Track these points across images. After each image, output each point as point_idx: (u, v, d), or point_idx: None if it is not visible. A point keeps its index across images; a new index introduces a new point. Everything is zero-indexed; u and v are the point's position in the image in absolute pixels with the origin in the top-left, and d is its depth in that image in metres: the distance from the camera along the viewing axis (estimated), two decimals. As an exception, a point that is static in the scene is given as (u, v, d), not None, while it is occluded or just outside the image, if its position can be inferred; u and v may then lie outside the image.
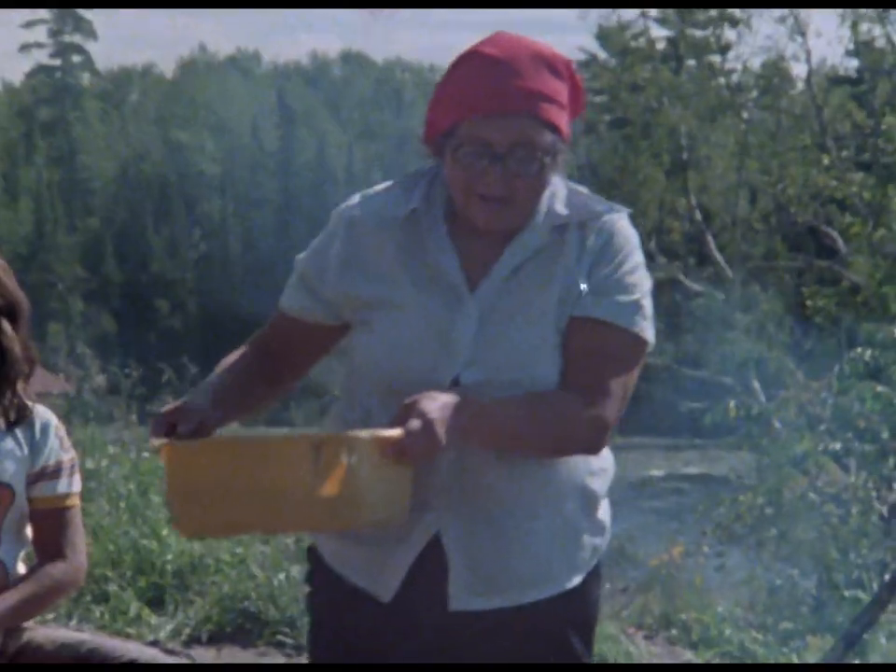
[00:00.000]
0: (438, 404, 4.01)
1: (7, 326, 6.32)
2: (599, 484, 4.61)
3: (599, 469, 4.58)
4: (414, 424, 3.94)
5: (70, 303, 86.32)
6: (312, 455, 3.92)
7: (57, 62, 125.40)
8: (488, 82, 4.12)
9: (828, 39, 45.41)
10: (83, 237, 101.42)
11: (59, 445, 6.66)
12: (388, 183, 4.52)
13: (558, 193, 4.42)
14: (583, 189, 4.52)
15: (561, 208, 4.40)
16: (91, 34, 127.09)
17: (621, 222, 4.48)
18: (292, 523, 4.39)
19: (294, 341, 4.60)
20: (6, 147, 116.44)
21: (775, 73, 44.73)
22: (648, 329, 4.47)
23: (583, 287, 4.41)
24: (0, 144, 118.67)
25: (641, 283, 4.51)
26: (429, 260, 4.29)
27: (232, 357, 4.68)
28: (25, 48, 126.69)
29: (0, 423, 6.40)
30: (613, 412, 4.29)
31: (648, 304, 4.49)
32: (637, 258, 4.53)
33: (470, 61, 4.24)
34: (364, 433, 4.06)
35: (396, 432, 4.00)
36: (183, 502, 4.23)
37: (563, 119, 4.23)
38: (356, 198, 4.48)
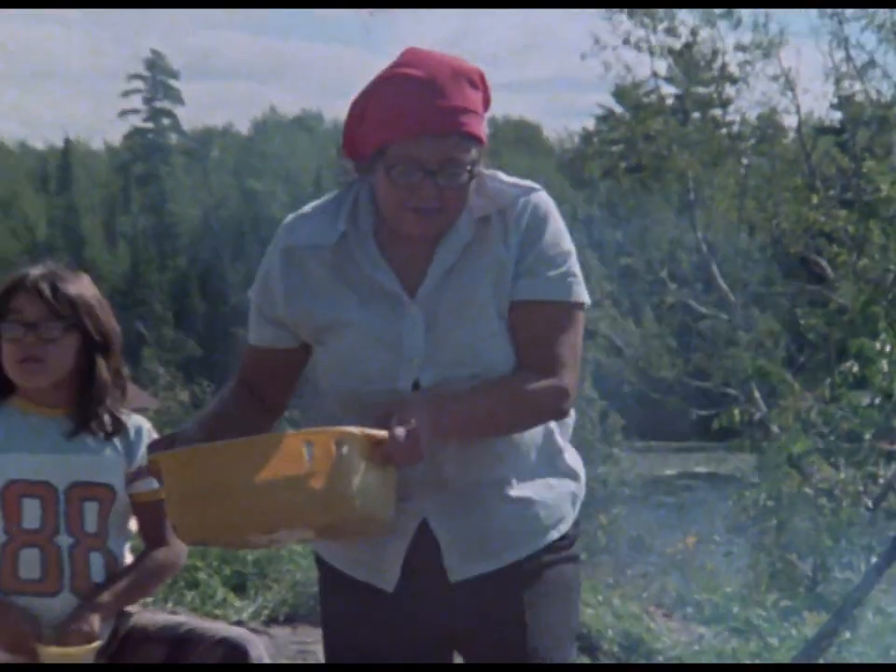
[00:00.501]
0: (418, 413, 3.96)
1: (100, 360, 6.47)
2: (558, 437, 4.56)
3: (557, 423, 4.52)
4: (399, 433, 3.90)
5: (161, 331, 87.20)
6: (304, 450, 3.86)
7: (150, 125, 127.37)
8: (416, 104, 4.06)
9: (814, 95, 45.40)
10: (172, 275, 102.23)
11: None
12: (316, 203, 4.45)
13: (477, 186, 4.32)
14: (501, 176, 4.43)
15: (480, 201, 4.31)
16: (178, 100, 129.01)
17: (536, 201, 4.39)
18: (286, 519, 4.13)
19: (271, 369, 4.55)
20: (106, 199, 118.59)
21: (769, 124, 44.76)
22: (581, 292, 4.40)
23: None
24: (101, 196, 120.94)
25: (564, 251, 4.42)
26: (366, 276, 4.24)
27: (222, 392, 4.65)
28: (123, 114, 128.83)
29: (100, 435, 6.49)
30: (572, 377, 4.28)
31: (575, 268, 4.42)
32: (555, 228, 4.42)
33: (395, 82, 4.15)
34: (354, 428, 3.95)
35: (383, 432, 3.94)
36: (180, 508, 4.11)
37: (482, 128, 4.20)
38: (287, 225, 4.44)
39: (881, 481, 19.71)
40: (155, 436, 6.55)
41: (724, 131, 44.60)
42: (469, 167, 4.08)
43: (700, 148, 42.97)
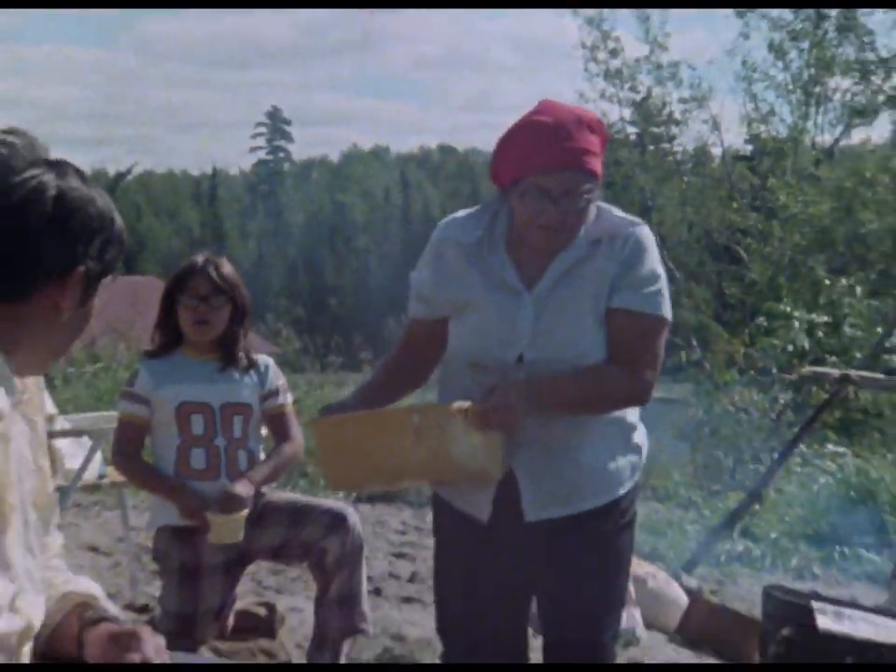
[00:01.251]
0: (516, 391, 3.92)
1: (241, 321, 6.85)
2: (633, 416, 4.49)
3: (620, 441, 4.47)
4: (496, 403, 3.88)
5: (278, 300, 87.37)
6: (413, 421, 3.82)
7: (270, 157, 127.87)
8: (546, 146, 3.96)
9: (733, 133, 44.92)
10: (285, 261, 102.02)
11: (275, 376, 7.00)
12: (465, 212, 4.40)
13: (593, 214, 4.24)
14: (614, 209, 4.33)
15: (595, 227, 4.21)
16: (290, 139, 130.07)
17: (639, 233, 4.27)
18: (399, 476, 4.19)
19: (424, 336, 4.45)
20: (240, 211, 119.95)
21: (702, 154, 44.24)
22: (667, 310, 4.31)
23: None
24: (237, 207, 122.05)
25: (657, 275, 4.29)
26: (495, 272, 4.17)
27: (383, 361, 4.62)
28: (252, 150, 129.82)
29: (240, 370, 6.79)
30: (652, 374, 4.21)
31: (665, 290, 4.31)
32: (654, 256, 4.31)
33: (530, 127, 4.04)
34: (458, 404, 3.93)
35: (468, 403, 3.91)
36: (329, 464, 4.12)
37: (598, 165, 4.08)
38: (441, 224, 4.42)
39: (782, 402, 19.90)
40: (277, 370, 7.03)
41: (671, 158, 44.11)
42: (585, 196, 4.02)
43: (654, 171, 42.62)
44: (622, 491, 4.36)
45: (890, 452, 19.42)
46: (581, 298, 4.14)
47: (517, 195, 4.02)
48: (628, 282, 4.15)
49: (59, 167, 3.24)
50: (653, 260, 4.26)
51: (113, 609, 3.63)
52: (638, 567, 9.44)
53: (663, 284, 4.29)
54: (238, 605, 7.12)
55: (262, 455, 6.91)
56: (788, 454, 13.14)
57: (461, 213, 4.41)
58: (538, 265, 4.16)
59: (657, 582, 9.50)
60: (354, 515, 6.77)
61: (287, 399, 7.04)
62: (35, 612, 3.36)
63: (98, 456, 8.31)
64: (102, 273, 3.24)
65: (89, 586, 3.66)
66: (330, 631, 6.73)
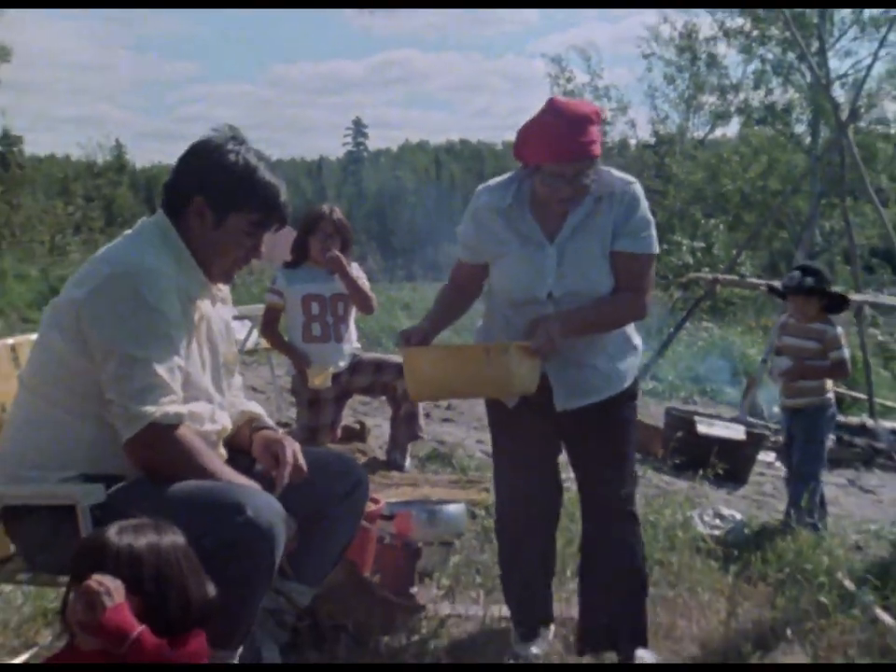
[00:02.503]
0: (553, 323, 3.67)
1: (344, 250, 6.79)
2: (631, 327, 4.17)
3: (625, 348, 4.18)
4: (542, 336, 3.65)
5: (360, 238, 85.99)
6: (484, 354, 3.61)
7: (354, 149, 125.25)
8: (561, 140, 3.64)
9: (643, 130, 44.59)
10: (365, 214, 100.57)
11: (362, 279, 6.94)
12: (497, 179, 4.05)
13: (595, 177, 3.81)
14: (612, 170, 3.93)
15: (597, 186, 3.82)
16: (367, 136, 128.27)
17: (634, 189, 3.88)
18: (466, 394, 4.16)
19: (468, 275, 4.13)
20: (336, 183, 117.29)
21: (624, 143, 43.99)
22: (655, 247, 3.94)
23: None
24: (334, 181, 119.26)
25: (649, 222, 3.91)
26: (523, 229, 3.89)
27: (440, 294, 4.23)
28: (344, 144, 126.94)
29: (337, 277, 6.76)
30: (648, 296, 3.96)
31: (653, 232, 3.92)
32: (645, 206, 3.91)
33: (548, 124, 3.69)
34: (512, 343, 3.68)
35: (527, 343, 3.66)
36: (413, 381, 3.82)
37: (599, 148, 3.72)
38: (478, 192, 4.06)
39: (675, 296, 20.13)
40: (363, 274, 6.93)
41: (605, 144, 44.27)
42: (590, 174, 3.74)
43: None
44: (627, 384, 4.11)
45: (740, 326, 22.28)
46: (592, 244, 3.85)
47: (539, 177, 3.79)
48: (627, 230, 3.84)
49: (245, 147, 3.37)
50: (645, 210, 3.91)
51: (270, 422, 3.70)
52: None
53: (652, 227, 3.94)
54: (343, 422, 7.18)
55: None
56: (679, 328, 13.54)
57: (492, 182, 4.10)
58: (556, 223, 3.88)
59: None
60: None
61: (366, 281, 6.92)
62: (224, 422, 3.46)
63: (255, 333, 8.57)
64: (225, 207, 3.27)
65: (256, 407, 3.75)
66: (400, 437, 6.83)
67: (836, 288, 13.96)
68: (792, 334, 6.54)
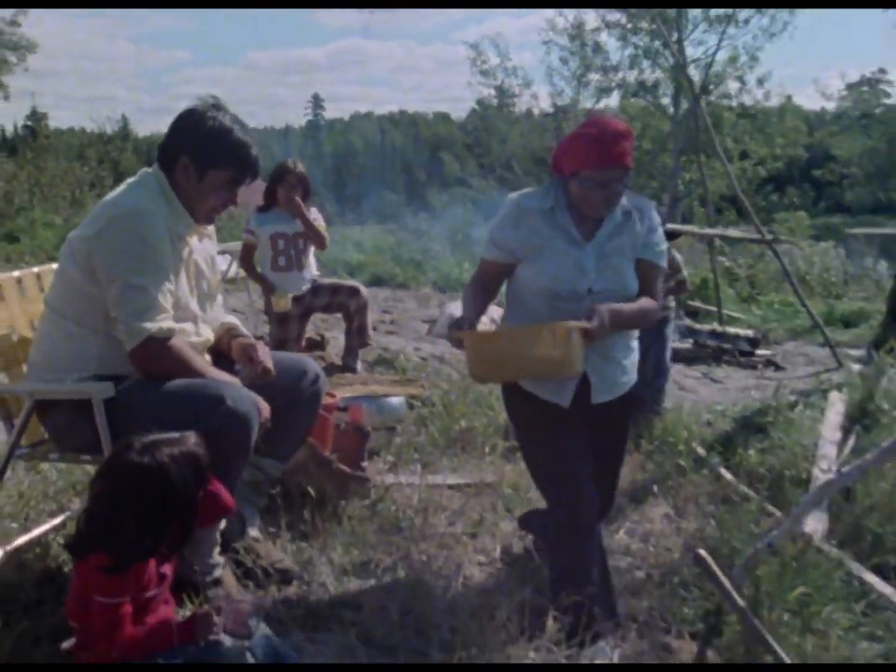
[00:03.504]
0: (606, 313, 3.31)
1: (305, 198, 6.70)
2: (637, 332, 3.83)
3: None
4: (598, 320, 3.28)
5: (318, 189, 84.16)
6: (549, 335, 3.18)
7: (313, 119, 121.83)
8: (599, 150, 3.34)
9: (544, 101, 44.31)
10: (323, 170, 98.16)
11: (319, 219, 6.83)
12: (537, 188, 3.66)
13: (626, 193, 3.54)
14: (630, 192, 3.59)
15: (627, 202, 3.54)
16: (324, 108, 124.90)
17: (652, 208, 3.63)
18: (525, 374, 3.45)
19: (493, 273, 3.66)
20: (298, 145, 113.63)
21: (530, 113, 43.93)
22: (665, 261, 3.66)
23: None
24: (298, 147, 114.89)
25: (663, 238, 3.65)
26: (562, 229, 3.52)
27: (468, 294, 3.70)
28: (305, 115, 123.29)
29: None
30: (660, 301, 3.66)
31: (665, 248, 3.65)
32: (659, 223, 3.65)
33: (587, 137, 3.38)
34: (574, 323, 3.26)
35: (584, 324, 3.26)
36: (477, 363, 3.33)
37: (630, 161, 3.42)
38: (522, 195, 3.67)
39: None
40: (319, 216, 6.86)
41: (513, 113, 43.73)
42: (623, 183, 3.43)
43: (505, 119, 42.77)
44: (635, 378, 3.78)
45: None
46: (624, 249, 3.53)
47: (576, 182, 3.46)
48: (651, 243, 3.56)
49: (223, 113, 3.37)
50: (660, 227, 3.63)
51: (245, 331, 3.72)
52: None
53: (665, 243, 3.65)
54: (307, 335, 7.12)
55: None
56: None
57: (529, 190, 3.70)
58: (590, 226, 3.54)
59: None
60: (364, 289, 6.83)
61: (322, 222, 6.85)
62: (208, 335, 3.53)
63: (234, 265, 8.43)
64: (205, 164, 3.28)
65: (234, 320, 3.77)
66: (353, 346, 6.80)
67: (693, 226, 13.91)
68: None
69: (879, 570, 4.22)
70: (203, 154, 3.28)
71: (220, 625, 2.52)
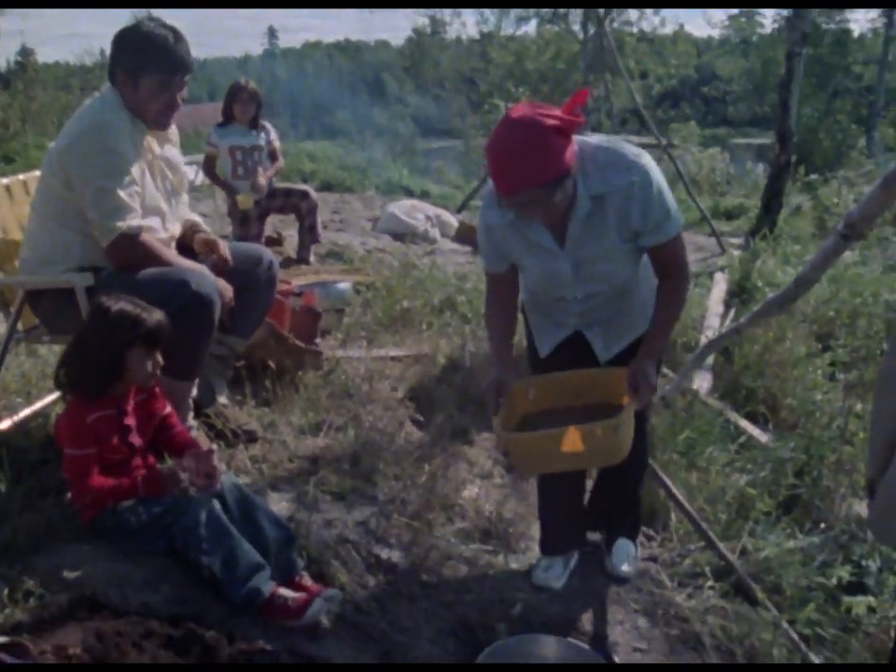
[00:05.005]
0: (649, 369, 2.52)
1: (258, 112, 6.50)
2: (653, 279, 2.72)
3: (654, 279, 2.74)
4: (646, 394, 2.51)
5: (273, 106, 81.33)
6: (597, 434, 2.43)
7: (269, 48, 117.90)
8: (499, 177, 2.38)
9: (471, 30, 43.19)
10: (279, 89, 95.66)
11: (274, 135, 6.69)
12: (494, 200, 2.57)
13: (588, 173, 2.46)
14: (609, 158, 2.47)
15: (592, 185, 2.45)
16: (278, 38, 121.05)
17: (640, 180, 2.45)
18: (583, 466, 2.88)
19: (502, 281, 2.74)
20: (257, 77, 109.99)
21: (458, 39, 43.20)
22: (679, 223, 2.56)
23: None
24: (256, 74, 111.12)
25: (665, 204, 2.50)
26: (533, 238, 2.60)
27: (490, 320, 2.81)
28: (262, 45, 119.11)
29: (258, 131, 6.52)
30: (687, 267, 2.62)
31: (673, 207, 2.53)
32: (657, 189, 2.48)
33: (490, 160, 2.39)
34: (620, 418, 2.41)
35: (631, 403, 2.48)
36: (521, 463, 2.64)
37: (550, 170, 2.33)
38: (484, 209, 2.68)
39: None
40: (274, 131, 6.65)
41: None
42: (545, 197, 2.36)
43: (441, 48, 41.80)
44: (643, 330, 2.74)
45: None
46: (602, 242, 2.57)
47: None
48: (649, 227, 2.52)
49: (154, 24, 3.20)
50: (657, 195, 2.49)
51: (206, 227, 3.67)
52: (431, 209, 9.35)
53: (669, 206, 2.53)
54: (266, 234, 6.99)
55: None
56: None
57: (489, 195, 2.64)
58: (561, 230, 2.58)
59: (446, 216, 9.42)
60: (313, 193, 6.73)
61: (279, 142, 6.71)
62: (174, 231, 3.45)
63: (200, 174, 8.17)
64: (135, 73, 3.13)
65: (196, 217, 3.67)
66: (306, 242, 6.75)
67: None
68: None
69: (751, 417, 4.38)
70: (131, 64, 3.15)
71: (187, 480, 2.53)
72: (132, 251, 3.11)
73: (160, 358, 2.69)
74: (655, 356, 2.59)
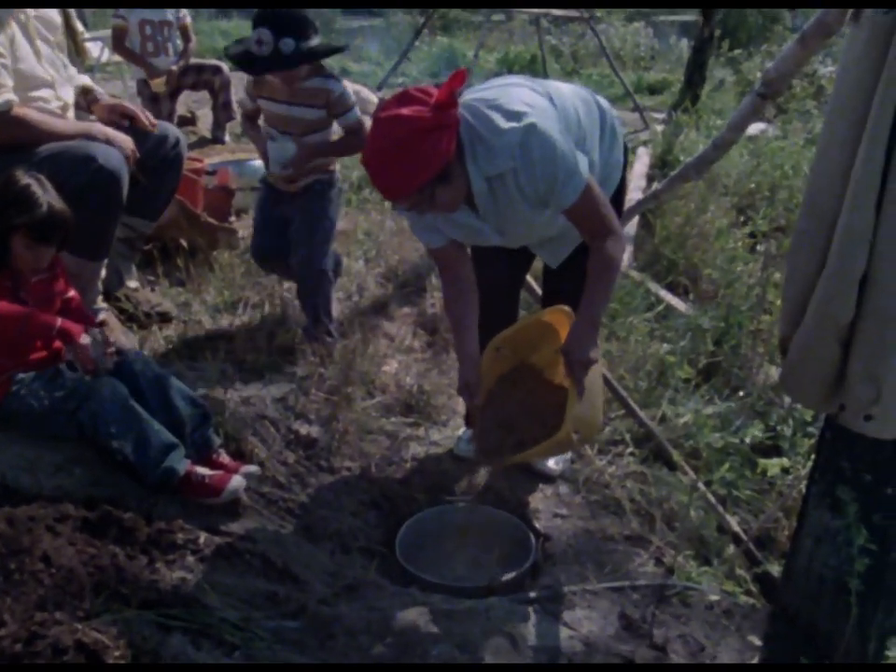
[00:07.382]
0: (588, 349, 2.29)
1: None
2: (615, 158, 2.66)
3: None
4: (580, 373, 2.25)
5: None
6: (572, 437, 2.23)
7: None
8: (374, 179, 2.14)
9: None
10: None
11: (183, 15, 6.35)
12: None
13: (478, 155, 2.23)
14: (495, 138, 2.20)
15: (483, 167, 2.21)
16: None
17: (525, 159, 2.20)
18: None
19: (449, 255, 2.52)
20: None
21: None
22: (582, 180, 2.26)
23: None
24: None
25: (561, 168, 2.20)
26: (453, 218, 2.38)
27: (450, 310, 2.57)
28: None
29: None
30: (611, 223, 2.35)
31: (572, 167, 2.24)
32: (547, 160, 2.21)
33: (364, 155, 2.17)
34: (570, 413, 2.22)
35: (574, 390, 2.25)
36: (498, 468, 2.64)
37: (433, 165, 2.10)
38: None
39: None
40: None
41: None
42: (426, 197, 2.17)
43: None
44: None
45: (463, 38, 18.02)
46: (514, 208, 2.35)
47: None
48: (549, 196, 2.27)
49: None
50: (549, 163, 2.21)
51: (101, 90, 3.40)
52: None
53: (567, 168, 2.23)
54: (178, 113, 6.68)
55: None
56: (413, 41, 12.43)
57: None
58: (473, 203, 2.36)
59: (365, 92, 9.11)
60: (226, 67, 6.51)
61: (189, 19, 6.43)
62: (67, 98, 3.19)
63: (106, 50, 7.75)
64: None
65: (88, 81, 3.37)
66: (220, 120, 6.64)
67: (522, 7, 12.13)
68: None
69: (671, 287, 4.39)
70: None
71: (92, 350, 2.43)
72: (9, 127, 2.86)
73: (48, 252, 2.49)
74: (589, 333, 2.34)
